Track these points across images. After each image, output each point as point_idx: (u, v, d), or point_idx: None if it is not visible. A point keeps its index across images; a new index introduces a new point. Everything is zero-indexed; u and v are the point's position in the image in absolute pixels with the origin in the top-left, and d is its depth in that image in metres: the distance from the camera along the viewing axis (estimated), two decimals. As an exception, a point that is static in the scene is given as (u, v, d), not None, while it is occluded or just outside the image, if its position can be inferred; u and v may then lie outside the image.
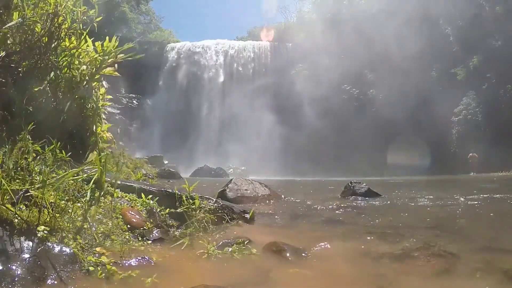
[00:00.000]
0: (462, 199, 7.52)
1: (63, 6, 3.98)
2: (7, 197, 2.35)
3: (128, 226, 3.42)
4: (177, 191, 4.25)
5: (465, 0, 30.89)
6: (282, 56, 41.14)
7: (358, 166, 27.54)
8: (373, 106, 33.65)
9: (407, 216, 5.35)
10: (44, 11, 3.73)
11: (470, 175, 24.99)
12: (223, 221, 4.19)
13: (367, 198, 7.57)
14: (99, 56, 4.45)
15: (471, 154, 28.05)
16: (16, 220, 2.31)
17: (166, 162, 26.42)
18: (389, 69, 31.97)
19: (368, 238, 3.83)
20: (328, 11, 39.87)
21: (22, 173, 2.71)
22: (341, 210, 5.96)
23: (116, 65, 4.74)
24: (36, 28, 3.68)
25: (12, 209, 2.31)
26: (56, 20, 3.86)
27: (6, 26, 3.23)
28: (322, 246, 3.39)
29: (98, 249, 2.69)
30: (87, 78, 4.36)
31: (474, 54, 30.68)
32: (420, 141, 29.14)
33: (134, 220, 3.55)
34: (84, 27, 4.43)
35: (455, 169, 27.56)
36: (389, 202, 7.19)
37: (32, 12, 3.55)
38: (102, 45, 4.50)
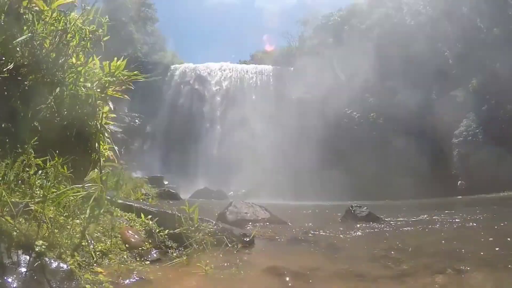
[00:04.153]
0: (461, 221, 7.48)
1: (72, 24, 4.03)
2: (7, 209, 2.32)
3: (127, 245, 3.38)
4: (176, 213, 4.21)
5: (463, 23, 31.36)
6: (284, 80, 41.34)
7: (360, 189, 27.26)
8: (374, 130, 33.72)
9: (407, 240, 5.27)
10: (54, 28, 3.79)
11: (472, 197, 24.70)
12: (223, 244, 4.13)
13: (367, 222, 7.51)
14: (106, 76, 4.49)
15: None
16: (14, 233, 2.28)
17: (166, 182, 26.19)
18: (390, 93, 32.27)
19: (369, 263, 3.77)
20: (329, 36, 40.37)
21: (23, 186, 2.68)
22: (341, 234, 5.88)
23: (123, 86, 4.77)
24: (45, 44, 3.73)
25: (11, 221, 2.28)
26: (65, 37, 3.91)
27: (17, 40, 3.27)
28: (322, 271, 3.33)
29: (95, 267, 2.64)
30: (93, 97, 4.37)
31: (473, 76, 30.99)
32: (421, 163, 29.02)
33: (133, 240, 3.51)
34: (92, 45, 4.47)
35: (456, 190, 27.34)
36: (389, 225, 7.13)
37: (42, 27, 3.61)
38: (109, 65, 4.53)
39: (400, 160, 29.52)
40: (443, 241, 5.24)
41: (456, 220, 7.82)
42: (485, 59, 29.81)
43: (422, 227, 6.93)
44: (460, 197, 25.47)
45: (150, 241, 3.69)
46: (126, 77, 4.60)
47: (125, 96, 4.83)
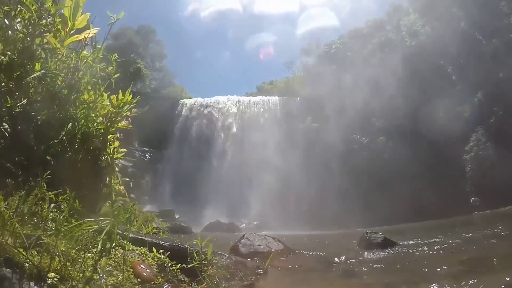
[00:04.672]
0: (477, 239, 7.34)
1: (83, 62, 4.15)
2: (19, 241, 2.32)
3: (139, 279, 3.33)
4: (188, 246, 4.16)
5: (461, 38, 31.40)
6: (291, 110, 41.54)
7: (376, 215, 26.68)
8: (384, 153, 33.32)
9: (423, 264, 5.15)
10: (66, 65, 3.92)
11: (490, 212, 24.09)
12: (236, 277, 4.05)
13: (383, 247, 7.39)
14: (114, 109, 4.56)
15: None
16: (27, 265, 2.27)
17: (177, 216, 26.01)
18: (396, 115, 32.11)
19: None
20: (332, 63, 40.65)
21: (35, 219, 2.68)
22: (356, 262, 5.76)
23: (129, 119, 4.84)
24: (58, 80, 3.84)
25: (24, 253, 2.28)
26: (76, 74, 4.02)
27: (30, 76, 3.37)
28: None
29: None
30: (102, 131, 4.43)
31: (477, 89, 30.73)
32: (435, 184, 28.51)
33: (145, 274, 3.46)
34: (102, 82, 4.57)
35: (470, 207, 26.73)
36: (405, 250, 7.01)
37: (55, 64, 3.73)
38: (117, 98, 4.62)
39: (413, 183, 29.05)
40: (457, 264, 5.10)
41: (469, 240, 7.68)
42: (488, 71, 29.77)
43: (437, 250, 6.81)
44: (476, 213, 24.99)
45: (163, 276, 3.64)
46: (131, 106, 4.68)
47: (130, 126, 4.89)
